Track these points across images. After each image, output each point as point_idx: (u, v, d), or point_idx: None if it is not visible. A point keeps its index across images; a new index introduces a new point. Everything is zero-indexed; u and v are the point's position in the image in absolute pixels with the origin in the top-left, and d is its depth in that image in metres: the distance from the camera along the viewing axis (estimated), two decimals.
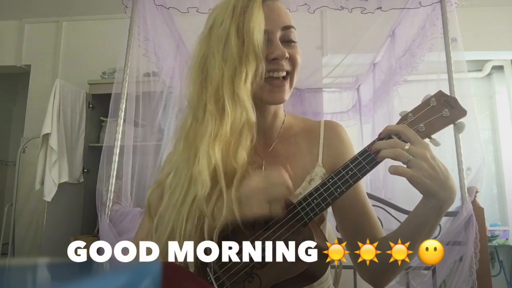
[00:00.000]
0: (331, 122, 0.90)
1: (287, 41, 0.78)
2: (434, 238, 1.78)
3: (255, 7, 0.74)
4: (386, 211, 1.71)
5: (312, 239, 0.64)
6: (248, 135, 0.72)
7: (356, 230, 0.81)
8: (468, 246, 1.61)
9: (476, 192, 1.73)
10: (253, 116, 0.71)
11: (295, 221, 0.67)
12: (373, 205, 1.68)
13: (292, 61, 0.78)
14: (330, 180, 0.68)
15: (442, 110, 0.71)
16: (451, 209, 1.75)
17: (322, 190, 0.68)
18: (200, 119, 0.73)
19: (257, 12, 0.74)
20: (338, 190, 0.68)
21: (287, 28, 0.78)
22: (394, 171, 0.65)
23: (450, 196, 0.66)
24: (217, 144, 0.70)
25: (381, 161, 0.68)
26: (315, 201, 0.68)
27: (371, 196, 1.69)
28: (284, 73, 0.77)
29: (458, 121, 0.71)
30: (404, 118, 0.72)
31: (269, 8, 0.77)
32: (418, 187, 0.66)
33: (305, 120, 0.93)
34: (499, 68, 3.67)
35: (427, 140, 0.70)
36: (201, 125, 0.73)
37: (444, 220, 1.75)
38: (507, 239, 3.27)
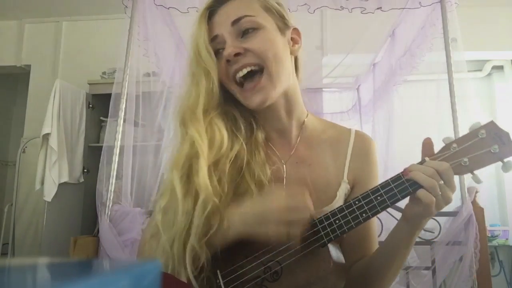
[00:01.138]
0: (362, 135, 0.84)
1: (244, 33, 0.72)
2: (434, 239, 1.78)
3: (197, 22, 0.74)
4: (386, 211, 1.71)
5: (329, 261, 0.61)
6: (201, 166, 0.67)
7: (354, 246, 0.78)
8: (468, 246, 1.61)
9: (476, 192, 1.73)
10: (200, 148, 0.67)
11: (314, 239, 0.64)
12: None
13: (257, 51, 0.71)
14: (357, 202, 0.64)
15: (491, 146, 0.63)
16: (451, 209, 1.75)
17: (346, 212, 0.64)
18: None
19: (199, 26, 0.73)
20: (364, 215, 0.63)
21: (237, 20, 0.72)
22: (423, 196, 0.62)
23: (422, 229, 0.69)
24: (175, 166, 0.68)
25: (414, 192, 0.63)
26: (337, 222, 0.63)
27: None
28: (249, 69, 0.71)
29: (507, 159, 0.64)
30: (447, 147, 0.65)
31: (219, 14, 0.74)
32: (417, 217, 0.65)
33: (334, 126, 0.87)
34: (499, 68, 3.67)
35: (469, 175, 0.65)
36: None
37: (444, 220, 1.75)
38: (507, 239, 3.27)
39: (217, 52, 0.74)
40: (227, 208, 0.67)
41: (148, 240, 0.75)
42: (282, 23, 0.78)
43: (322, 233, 0.64)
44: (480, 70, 3.66)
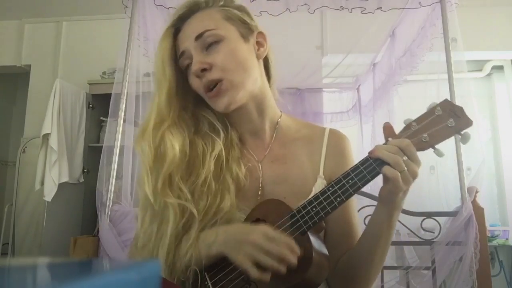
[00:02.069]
0: (336, 132, 0.87)
1: (207, 46, 0.76)
2: (434, 239, 1.79)
3: (160, 40, 0.78)
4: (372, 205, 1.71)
5: (310, 248, 0.63)
6: (163, 181, 0.72)
7: (337, 240, 0.80)
8: (468, 246, 1.61)
9: (476, 192, 1.73)
10: (147, 163, 0.74)
11: (293, 229, 0.66)
12: (372, 205, 1.69)
13: (220, 65, 0.74)
14: (330, 188, 0.67)
15: (447, 120, 0.69)
16: (451, 209, 1.75)
17: (321, 198, 0.67)
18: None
19: (160, 43, 0.78)
20: (338, 199, 0.66)
21: (199, 36, 0.75)
22: (387, 171, 0.65)
23: (400, 208, 0.71)
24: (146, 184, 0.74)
25: (381, 172, 0.66)
26: (314, 209, 0.66)
27: (370, 196, 1.69)
28: (213, 85, 0.75)
29: (464, 131, 0.69)
30: (407, 127, 0.70)
31: (183, 30, 0.79)
32: (389, 194, 0.67)
33: (309, 125, 0.90)
34: (499, 68, 3.67)
35: (430, 150, 0.69)
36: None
37: (444, 220, 1.75)
38: (507, 239, 3.27)
39: (187, 67, 0.78)
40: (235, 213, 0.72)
41: (140, 250, 0.77)
42: (245, 29, 0.80)
43: (301, 221, 0.66)
44: (480, 70, 3.66)
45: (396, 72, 2.43)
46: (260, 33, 0.83)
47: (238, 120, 0.82)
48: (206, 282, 0.67)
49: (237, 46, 0.77)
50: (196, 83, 0.76)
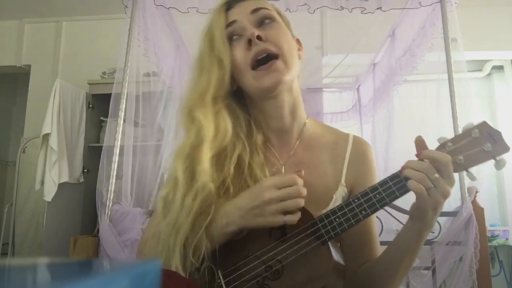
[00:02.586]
0: (360, 140, 0.86)
1: (262, 22, 0.75)
2: (434, 239, 1.78)
3: (216, 12, 0.76)
4: (386, 211, 1.71)
5: (331, 258, 0.62)
6: (204, 152, 0.69)
7: (356, 250, 0.79)
8: (468, 246, 1.61)
9: (476, 192, 1.73)
10: (206, 134, 0.69)
11: (314, 237, 0.65)
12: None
13: (274, 41, 0.74)
14: (356, 201, 0.65)
15: (484, 144, 0.66)
16: (451, 209, 1.75)
17: (346, 210, 0.65)
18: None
19: (217, 15, 0.76)
20: (363, 212, 0.64)
21: (256, 10, 0.76)
22: (412, 185, 0.63)
23: (431, 227, 0.69)
24: (179, 156, 0.70)
25: (411, 190, 0.64)
26: (337, 220, 0.65)
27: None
28: (264, 58, 0.73)
29: (500, 157, 0.67)
30: (442, 146, 0.68)
31: (237, 6, 0.78)
32: (418, 211, 0.66)
33: (333, 131, 0.88)
34: (499, 68, 3.67)
35: (464, 173, 0.68)
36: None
37: (444, 220, 1.75)
38: (507, 239, 3.27)
39: (231, 39, 0.76)
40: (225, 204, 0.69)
41: (149, 239, 0.76)
42: (289, 28, 0.82)
43: (323, 230, 0.65)
44: (480, 70, 3.66)
45: (396, 72, 2.43)
46: (298, 39, 0.85)
47: (270, 113, 0.79)
48: (219, 280, 0.66)
49: (288, 33, 0.78)
50: (241, 55, 0.74)
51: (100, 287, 0.23)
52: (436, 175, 0.63)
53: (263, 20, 0.75)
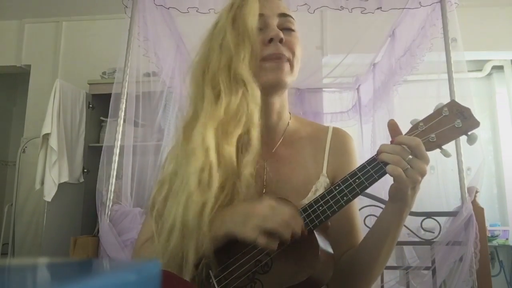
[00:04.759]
0: (339, 130, 0.88)
1: (285, 29, 0.78)
2: (434, 239, 1.78)
3: (248, 4, 0.76)
4: (378, 206, 1.71)
5: (317, 247, 0.63)
6: (240, 123, 0.70)
7: (339, 238, 0.79)
8: (468, 246, 1.61)
9: (476, 192, 1.73)
10: (257, 91, 0.71)
11: None
12: (372, 205, 1.69)
13: (290, 47, 0.77)
14: (337, 187, 0.67)
15: (454, 121, 0.69)
16: (451, 209, 1.75)
17: (328, 197, 0.67)
18: (199, 109, 0.74)
19: (252, 1, 0.76)
20: (345, 198, 0.66)
21: (284, 15, 0.79)
22: (390, 169, 0.65)
23: (411, 206, 0.70)
24: (210, 124, 0.69)
25: (389, 173, 0.66)
26: (320, 208, 0.66)
27: (370, 196, 1.69)
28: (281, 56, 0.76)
29: (471, 132, 0.69)
30: (415, 127, 0.70)
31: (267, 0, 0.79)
32: (397, 192, 0.68)
33: (312, 124, 0.91)
34: (499, 68, 3.67)
35: (438, 150, 0.69)
36: (200, 114, 0.73)
37: (444, 220, 1.75)
38: (507, 239, 3.27)
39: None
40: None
41: (143, 243, 0.76)
42: None
43: (307, 220, 0.66)
44: (480, 70, 3.66)
45: (396, 72, 2.43)
46: None
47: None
48: (210, 280, 0.67)
49: (301, 45, 0.82)
50: (259, 49, 0.75)
51: (100, 287, 0.23)
52: (410, 156, 0.65)
53: (287, 28, 0.79)
